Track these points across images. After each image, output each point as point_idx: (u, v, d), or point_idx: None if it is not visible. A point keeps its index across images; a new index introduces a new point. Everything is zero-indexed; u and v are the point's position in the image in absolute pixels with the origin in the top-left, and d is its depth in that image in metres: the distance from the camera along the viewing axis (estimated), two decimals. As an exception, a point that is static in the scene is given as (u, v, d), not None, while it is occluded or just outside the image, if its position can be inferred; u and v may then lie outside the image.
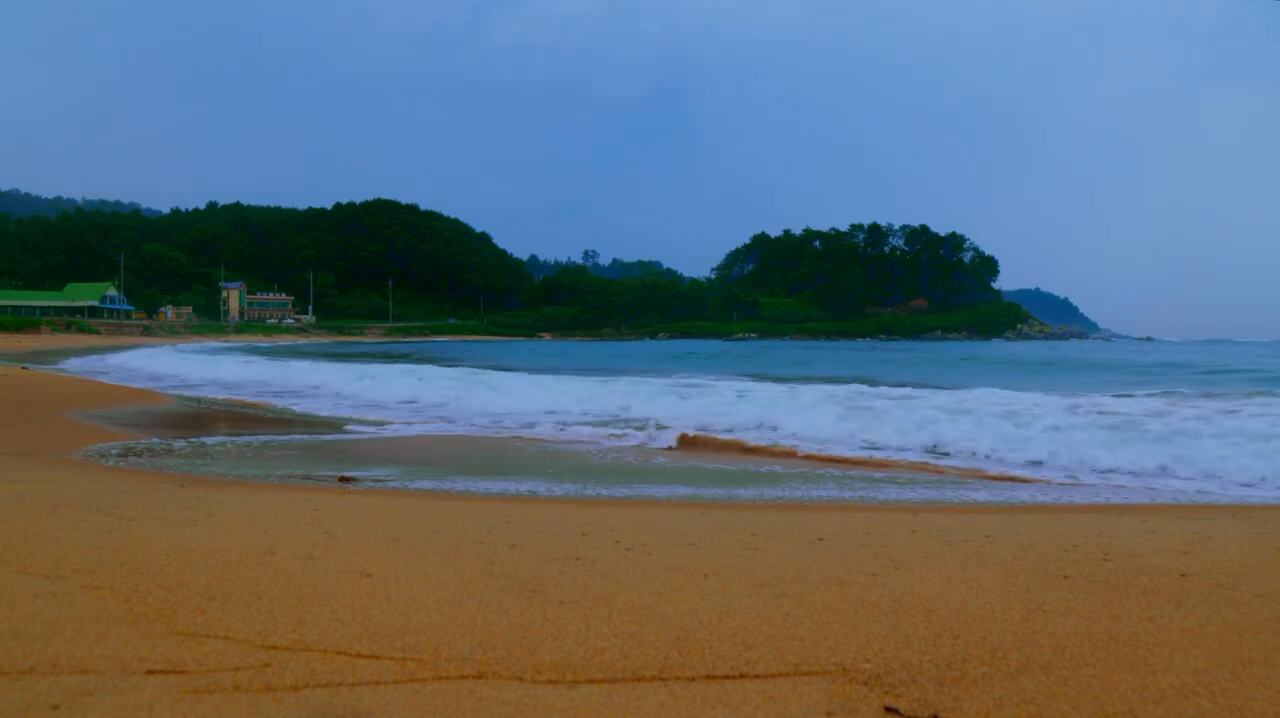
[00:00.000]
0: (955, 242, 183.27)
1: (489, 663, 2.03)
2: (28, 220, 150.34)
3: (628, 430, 10.39)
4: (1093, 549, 3.40)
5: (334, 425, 10.99)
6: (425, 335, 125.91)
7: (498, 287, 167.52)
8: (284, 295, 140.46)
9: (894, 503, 5.54)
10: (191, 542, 3.19)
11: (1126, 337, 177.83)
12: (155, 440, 8.68)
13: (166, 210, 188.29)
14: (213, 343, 77.49)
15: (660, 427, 10.53)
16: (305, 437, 9.55)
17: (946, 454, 8.63)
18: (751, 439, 9.67)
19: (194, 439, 8.80)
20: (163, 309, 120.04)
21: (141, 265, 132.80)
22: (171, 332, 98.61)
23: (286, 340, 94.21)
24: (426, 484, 6.09)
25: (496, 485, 6.03)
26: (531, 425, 11.26)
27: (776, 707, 1.83)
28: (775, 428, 10.70)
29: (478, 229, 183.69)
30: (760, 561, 3.16)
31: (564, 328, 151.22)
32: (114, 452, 7.64)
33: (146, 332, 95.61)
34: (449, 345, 79.56)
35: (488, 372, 22.02)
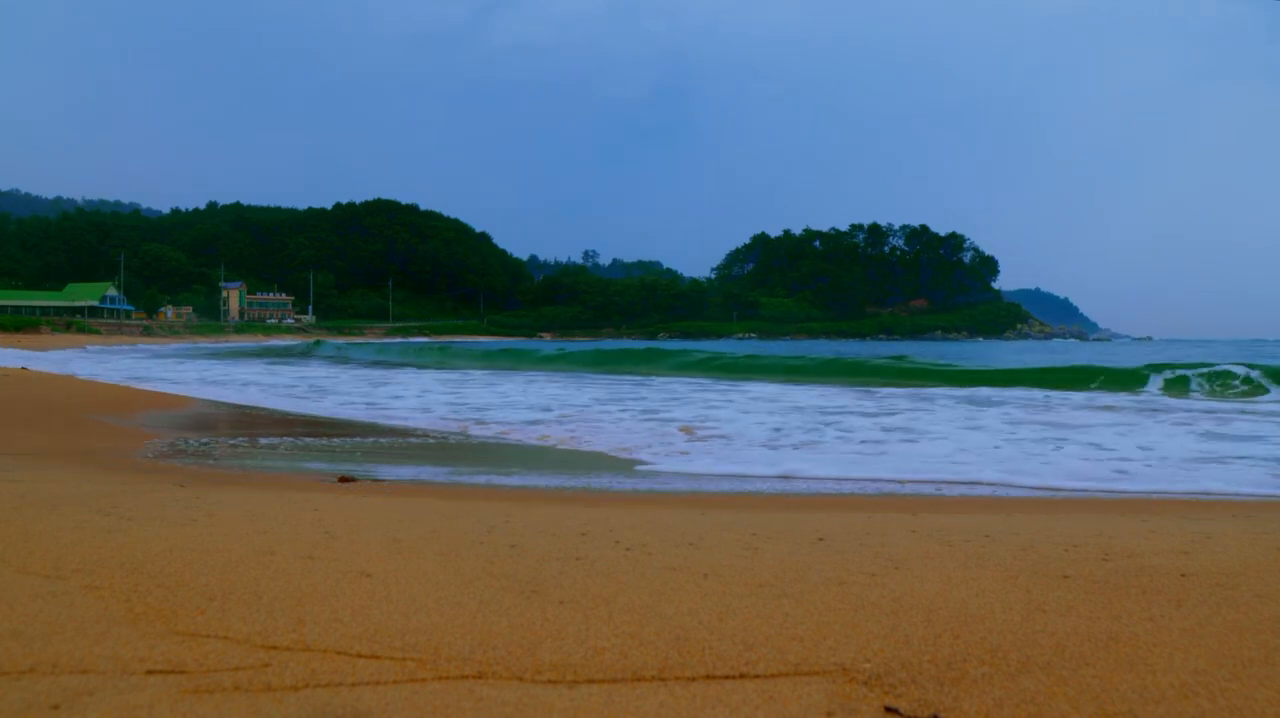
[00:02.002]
0: (955, 242, 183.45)
1: (489, 663, 2.03)
2: (28, 220, 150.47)
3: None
4: (1093, 549, 3.40)
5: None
6: (425, 335, 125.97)
7: (498, 287, 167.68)
8: (284, 295, 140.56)
9: (893, 499, 5.54)
10: (191, 542, 3.18)
11: (1126, 336, 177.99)
12: (205, 441, 8.68)
13: (166, 210, 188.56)
14: (199, 343, 77.35)
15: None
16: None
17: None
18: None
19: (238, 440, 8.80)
20: (163, 309, 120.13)
21: (141, 265, 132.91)
22: (171, 332, 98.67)
23: (280, 341, 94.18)
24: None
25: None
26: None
27: (776, 707, 1.83)
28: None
29: (478, 229, 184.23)
30: (760, 561, 3.16)
31: (564, 328, 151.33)
32: (170, 451, 7.63)
33: (147, 332, 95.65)
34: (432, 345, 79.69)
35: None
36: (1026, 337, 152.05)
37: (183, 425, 10.69)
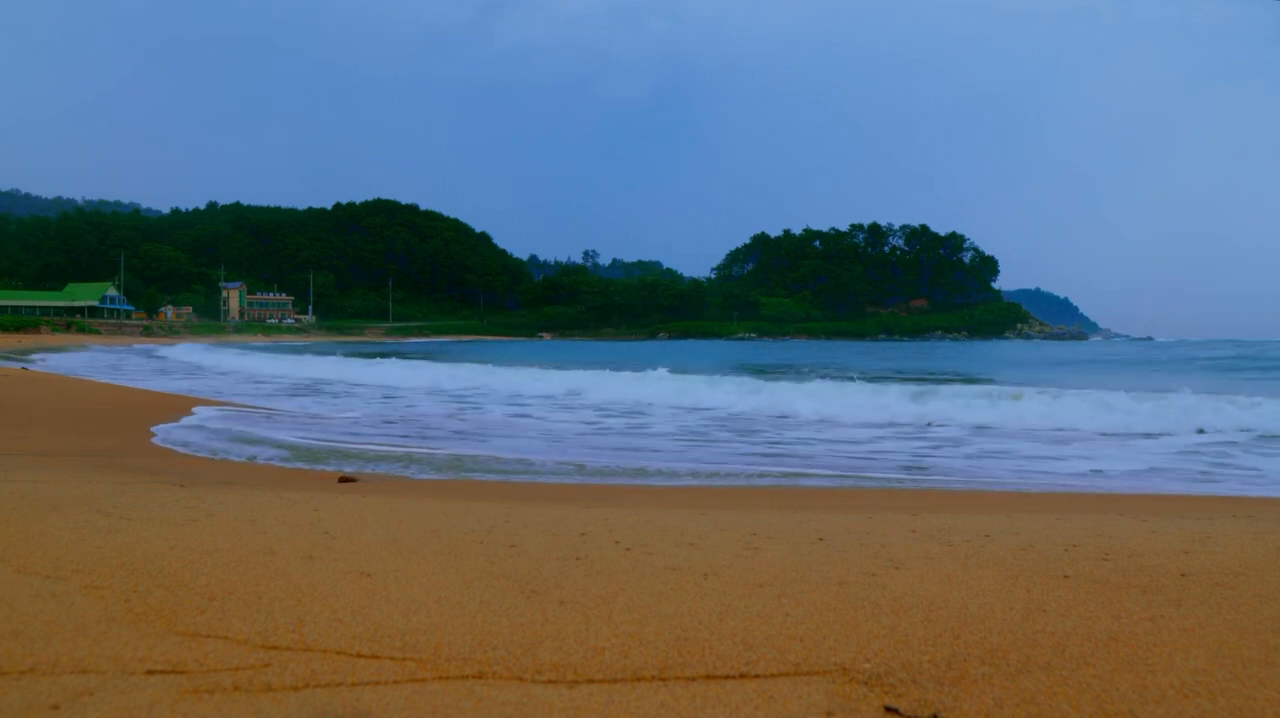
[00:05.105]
0: (955, 242, 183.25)
1: (489, 663, 2.03)
2: (28, 220, 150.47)
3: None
4: (1093, 549, 3.40)
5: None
6: (425, 335, 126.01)
7: (498, 286, 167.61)
8: (284, 295, 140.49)
9: (894, 499, 5.54)
10: (191, 542, 3.19)
11: (1125, 336, 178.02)
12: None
13: (166, 210, 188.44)
14: (189, 344, 77.19)
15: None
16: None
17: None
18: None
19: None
20: (163, 309, 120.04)
21: (141, 265, 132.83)
22: (171, 332, 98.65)
23: (285, 341, 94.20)
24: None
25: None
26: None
27: (776, 707, 1.83)
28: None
29: (478, 229, 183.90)
30: (760, 561, 3.16)
31: (564, 328, 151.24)
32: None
33: (146, 332, 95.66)
34: (417, 346, 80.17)
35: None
36: (1027, 337, 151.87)
37: (181, 425, 10.69)
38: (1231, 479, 7.34)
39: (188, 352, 47.06)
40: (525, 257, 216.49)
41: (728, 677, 1.99)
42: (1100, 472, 7.73)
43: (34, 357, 37.02)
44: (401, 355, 39.73)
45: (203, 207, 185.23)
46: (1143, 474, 7.63)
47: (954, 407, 12.60)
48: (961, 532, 3.87)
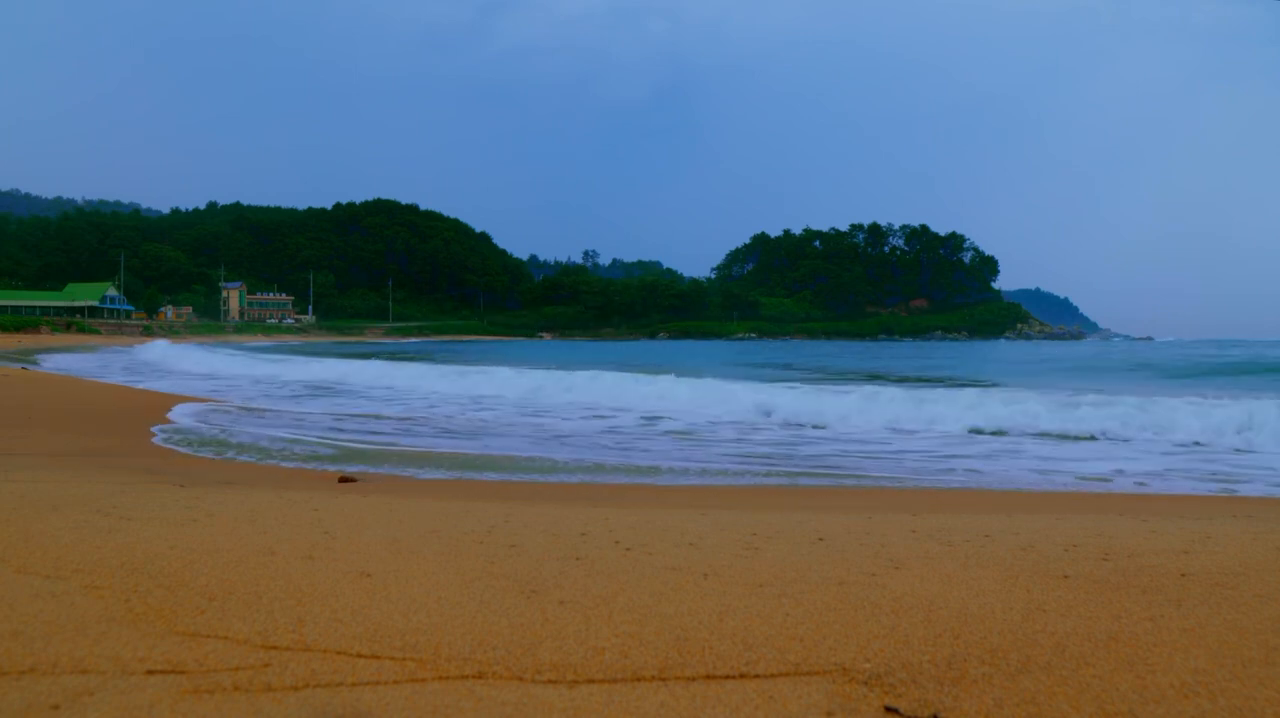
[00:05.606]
0: (955, 242, 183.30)
1: (489, 663, 2.03)
2: (28, 220, 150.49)
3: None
4: (1093, 549, 3.40)
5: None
6: (425, 335, 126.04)
7: (498, 286, 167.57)
8: (284, 295, 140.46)
9: (894, 499, 5.53)
10: (191, 542, 3.19)
11: (1125, 336, 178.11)
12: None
13: (166, 210, 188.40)
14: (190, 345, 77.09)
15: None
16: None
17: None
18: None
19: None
20: (163, 309, 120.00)
21: (141, 265, 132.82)
22: (171, 332, 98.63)
23: (284, 341, 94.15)
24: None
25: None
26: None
27: (776, 707, 1.83)
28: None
29: (478, 229, 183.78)
30: (760, 561, 3.16)
31: (564, 328, 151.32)
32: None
33: (146, 332, 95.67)
34: (407, 347, 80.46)
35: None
36: (1026, 337, 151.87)
37: (179, 425, 10.70)
38: (1227, 481, 7.34)
39: (186, 352, 47.37)
40: (525, 257, 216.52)
41: (728, 677, 1.99)
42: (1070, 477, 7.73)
43: (34, 357, 37.15)
44: (398, 356, 39.89)
45: (203, 207, 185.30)
46: (1144, 475, 7.63)
47: (949, 407, 12.65)
48: (961, 532, 3.87)
